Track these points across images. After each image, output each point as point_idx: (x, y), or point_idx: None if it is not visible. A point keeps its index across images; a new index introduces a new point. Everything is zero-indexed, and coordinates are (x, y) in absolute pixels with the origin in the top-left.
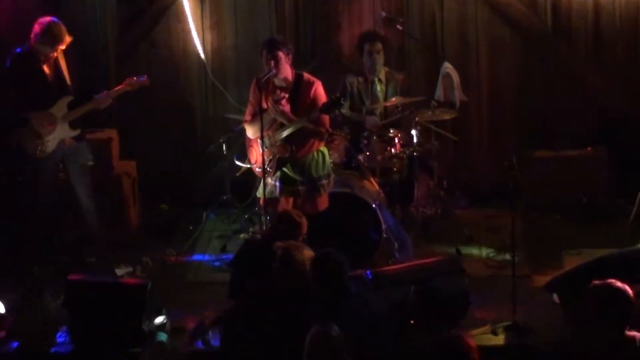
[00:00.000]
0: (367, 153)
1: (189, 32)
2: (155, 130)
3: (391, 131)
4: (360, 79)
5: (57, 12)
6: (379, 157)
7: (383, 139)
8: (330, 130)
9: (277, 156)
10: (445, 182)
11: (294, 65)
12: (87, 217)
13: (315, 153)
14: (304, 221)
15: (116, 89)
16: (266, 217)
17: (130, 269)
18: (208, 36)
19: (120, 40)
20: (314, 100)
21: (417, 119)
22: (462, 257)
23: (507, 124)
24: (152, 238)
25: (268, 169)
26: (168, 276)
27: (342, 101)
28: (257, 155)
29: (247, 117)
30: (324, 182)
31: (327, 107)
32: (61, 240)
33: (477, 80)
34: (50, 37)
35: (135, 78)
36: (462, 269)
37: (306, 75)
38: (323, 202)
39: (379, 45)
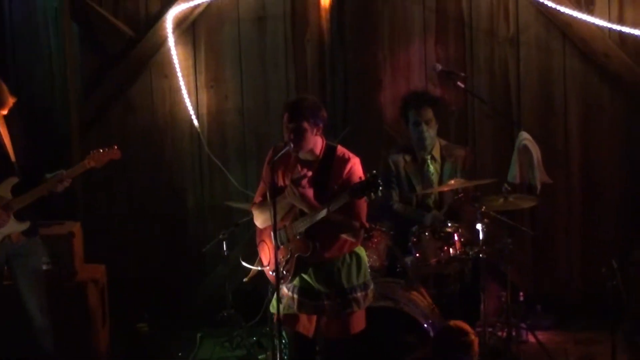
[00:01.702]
0: (417, 255)
1: (178, 90)
2: (133, 222)
3: (449, 225)
4: (408, 158)
5: (5, 68)
6: (432, 260)
7: (438, 235)
8: (367, 224)
9: (296, 255)
10: (521, 294)
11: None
12: (40, 339)
13: (347, 256)
14: (474, 339)
15: (77, 166)
16: (281, 341)
17: None
18: (204, 96)
19: (85, 101)
20: (349, 181)
21: (483, 208)
22: None
23: (607, 214)
24: None
25: (284, 272)
26: None
27: (379, 181)
28: (270, 254)
29: (257, 198)
30: (359, 294)
31: (357, 190)
32: None
33: (565, 156)
34: None
35: (102, 150)
36: None
37: (340, 149)
38: (357, 323)
39: (429, 113)
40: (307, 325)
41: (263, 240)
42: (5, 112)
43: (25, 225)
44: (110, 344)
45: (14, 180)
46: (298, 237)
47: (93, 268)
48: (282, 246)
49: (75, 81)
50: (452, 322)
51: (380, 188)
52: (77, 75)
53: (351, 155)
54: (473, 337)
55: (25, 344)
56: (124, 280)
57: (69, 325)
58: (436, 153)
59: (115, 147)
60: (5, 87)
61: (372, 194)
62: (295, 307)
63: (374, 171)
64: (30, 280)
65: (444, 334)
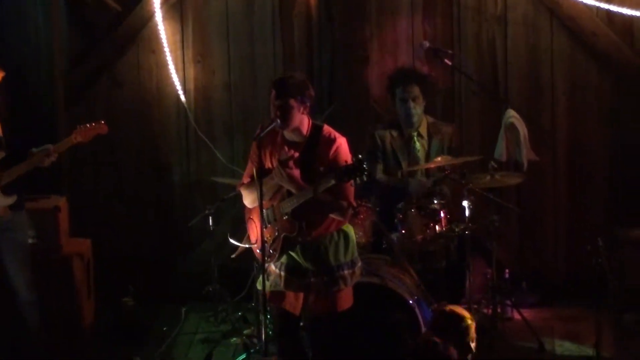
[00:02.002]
0: (403, 231)
1: (165, 65)
2: (119, 197)
3: (435, 202)
4: (395, 133)
5: None
6: (418, 237)
7: (424, 212)
8: (353, 203)
9: (283, 235)
10: (507, 271)
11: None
12: (25, 312)
13: (335, 234)
14: (471, 324)
15: (64, 141)
16: (266, 316)
17: None
18: (191, 71)
19: (71, 76)
20: (335, 162)
21: (470, 185)
22: None
23: (593, 192)
24: (111, 342)
25: (271, 251)
26: None
27: (364, 166)
28: (258, 232)
29: (245, 178)
30: (346, 272)
31: (343, 174)
32: None
33: (552, 134)
34: None
35: (88, 125)
36: None
37: (326, 129)
38: (344, 300)
39: (416, 90)
40: (294, 302)
41: (251, 218)
42: None
43: (11, 200)
44: (96, 318)
45: (0, 154)
46: (285, 217)
47: (79, 242)
48: (269, 225)
49: (62, 56)
50: (448, 308)
51: (366, 171)
52: (63, 50)
53: (337, 135)
54: (470, 322)
55: (10, 318)
56: (110, 254)
57: (54, 299)
58: (423, 130)
59: (102, 122)
60: None
61: (358, 178)
62: (282, 284)
63: (360, 155)
64: (16, 254)
65: (439, 319)
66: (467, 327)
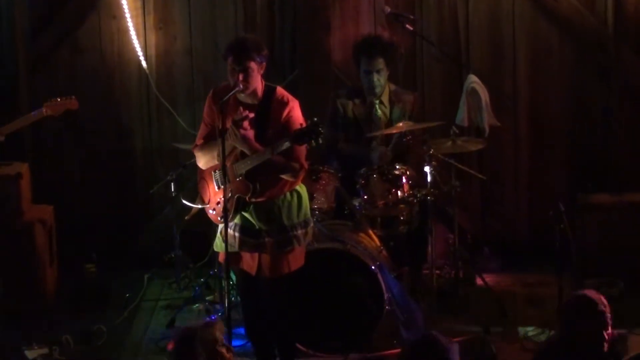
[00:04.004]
0: (365, 197)
1: (126, 31)
2: (81, 163)
3: (397, 168)
4: (357, 101)
5: None
6: (380, 203)
7: (386, 178)
8: (305, 165)
9: (236, 196)
10: (469, 237)
11: (266, 76)
12: None
13: (288, 194)
14: (606, 309)
15: (37, 112)
16: (229, 282)
17: (45, 351)
18: (152, 37)
19: (33, 43)
20: (287, 125)
21: (431, 151)
22: (491, 338)
23: (554, 158)
24: (74, 308)
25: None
26: None
27: (320, 129)
28: (210, 193)
29: (199, 140)
30: (299, 232)
31: (299, 137)
32: None
33: (513, 99)
34: None
35: (59, 99)
36: (493, 354)
37: (280, 91)
38: (296, 259)
39: (380, 63)
40: (250, 262)
41: (203, 179)
42: None
43: None
44: (58, 284)
45: None
46: (238, 178)
47: (41, 209)
48: (222, 187)
49: (23, 22)
50: (583, 292)
51: (322, 134)
52: (24, 16)
53: (290, 97)
54: (604, 307)
55: None
56: (72, 221)
57: (17, 266)
58: (385, 98)
59: (73, 98)
60: None
61: (313, 141)
62: (237, 245)
63: (315, 118)
64: None
65: (575, 304)
66: (603, 312)
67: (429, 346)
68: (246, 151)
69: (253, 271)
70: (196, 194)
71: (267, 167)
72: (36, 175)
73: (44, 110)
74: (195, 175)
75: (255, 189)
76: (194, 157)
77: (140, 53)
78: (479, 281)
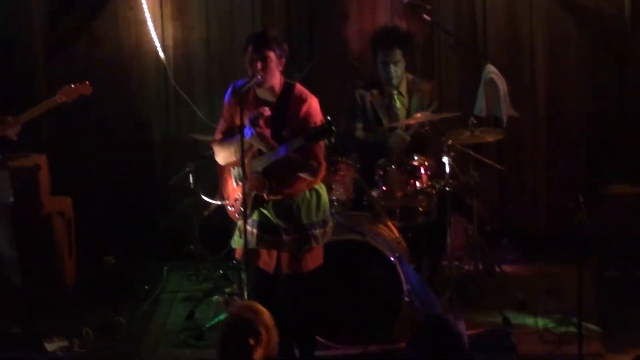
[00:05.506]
0: (384, 188)
1: (143, 22)
2: (99, 155)
3: (415, 158)
4: (375, 92)
5: None
6: (398, 194)
7: (405, 169)
8: (324, 163)
9: (254, 193)
10: (488, 227)
11: (284, 66)
12: (8, 271)
13: (307, 192)
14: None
15: (48, 100)
16: (247, 275)
17: (65, 343)
18: (170, 28)
19: (49, 34)
20: (305, 122)
21: (449, 142)
22: (511, 329)
23: (572, 148)
24: (93, 300)
25: (241, 208)
26: (115, 352)
27: (333, 128)
28: (229, 189)
29: (218, 135)
30: (318, 231)
31: (313, 136)
32: None
33: (531, 89)
34: None
35: (73, 85)
36: (512, 345)
37: (298, 88)
38: (315, 258)
39: (398, 55)
40: (268, 260)
41: (223, 175)
42: None
43: None
44: (77, 276)
45: None
46: (255, 175)
47: (59, 201)
48: (240, 183)
49: (39, 13)
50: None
51: (335, 133)
52: (41, 7)
53: (309, 95)
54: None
55: None
56: (91, 213)
57: (36, 258)
58: (403, 88)
59: (87, 83)
60: None
61: (326, 139)
62: (254, 241)
63: (329, 117)
64: None
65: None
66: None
67: (439, 325)
68: (262, 149)
69: (271, 269)
70: (214, 187)
71: (284, 164)
72: (54, 167)
73: (58, 97)
74: (214, 167)
75: (271, 186)
76: (212, 148)
77: (157, 43)
78: (498, 272)
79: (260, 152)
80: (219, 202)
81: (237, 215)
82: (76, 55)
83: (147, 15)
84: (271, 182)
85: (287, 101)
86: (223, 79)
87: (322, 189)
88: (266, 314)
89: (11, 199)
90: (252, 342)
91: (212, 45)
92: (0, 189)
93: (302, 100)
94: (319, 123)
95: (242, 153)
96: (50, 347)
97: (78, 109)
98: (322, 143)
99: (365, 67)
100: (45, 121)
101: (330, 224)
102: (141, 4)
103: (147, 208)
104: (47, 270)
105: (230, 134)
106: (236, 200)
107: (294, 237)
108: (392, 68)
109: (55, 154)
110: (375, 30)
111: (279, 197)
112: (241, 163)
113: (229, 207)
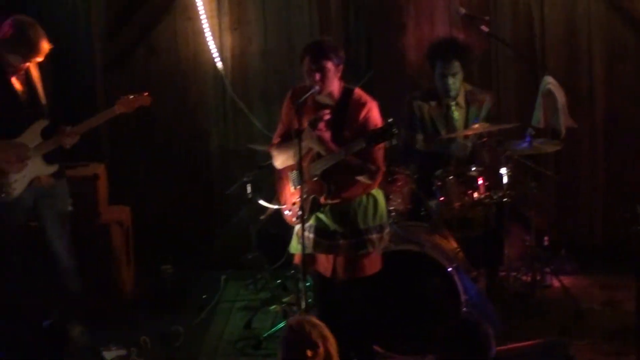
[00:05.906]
0: (441, 198)
1: (201, 33)
2: (157, 165)
3: (473, 169)
4: (433, 103)
5: (24, 7)
6: (456, 204)
7: (462, 179)
8: (382, 167)
9: (312, 197)
10: (546, 239)
11: (342, 78)
12: (66, 280)
13: (364, 197)
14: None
15: (107, 111)
16: (304, 283)
17: (123, 352)
18: (228, 39)
19: (109, 44)
20: (365, 125)
21: (507, 152)
22: (569, 340)
23: (631, 159)
24: (151, 310)
25: (299, 212)
26: None
27: (394, 129)
28: (288, 193)
29: (276, 139)
30: (374, 236)
31: (373, 138)
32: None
33: (590, 100)
34: (25, 43)
35: (132, 96)
36: (570, 357)
37: (357, 92)
38: (372, 264)
39: (456, 67)
40: (326, 264)
41: (281, 178)
42: (41, 58)
43: (54, 168)
44: (135, 285)
45: (44, 123)
46: (314, 179)
47: (118, 210)
48: (298, 187)
49: (99, 24)
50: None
51: (396, 135)
52: (101, 17)
53: (368, 99)
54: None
55: (52, 285)
56: (149, 222)
57: (95, 266)
58: (461, 99)
59: (146, 94)
60: (43, 33)
61: (387, 142)
62: (311, 246)
63: (391, 119)
64: (57, 221)
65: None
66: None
67: (469, 328)
68: (321, 152)
69: (328, 273)
70: (272, 196)
71: (343, 168)
72: (113, 177)
73: (116, 107)
74: (271, 176)
75: (330, 189)
76: (270, 158)
77: (215, 54)
78: (556, 283)
79: (319, 156)
80: (275, 207)
81: (294, 220)
82: (135, 66)
83: (205, 26)
84: (329, 185)
85: (346, 105)
86: (280, 89)
87: (379, 194)
88: (323, 326)
89: (70, 208)
90: (309, 353)
91: (270, 56)
92: (59, 198)
93: (361, 104)
94: (379, 126)
95: (300, 157)
96: (108, 355)
97: (137, 119)
98: (382, 148)
99: (422, 78)
100: (106, 131)
101: (388, 229)
102: (199, 14)
103: (205, 217)
104: (105, 279)
105: (288, 138)
106: (294, 204)
107: (350, 241)
108: (450, 80)
109: (114, 163)
110: (433, 42)
111: (336, 201)
112: (298, 167)
113: (285, 212)
